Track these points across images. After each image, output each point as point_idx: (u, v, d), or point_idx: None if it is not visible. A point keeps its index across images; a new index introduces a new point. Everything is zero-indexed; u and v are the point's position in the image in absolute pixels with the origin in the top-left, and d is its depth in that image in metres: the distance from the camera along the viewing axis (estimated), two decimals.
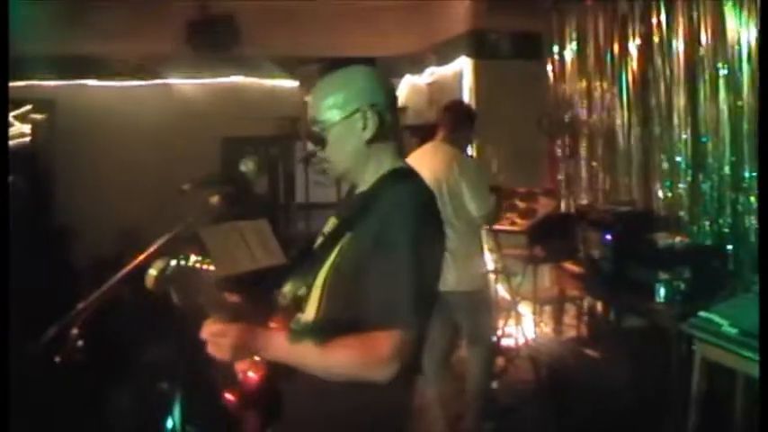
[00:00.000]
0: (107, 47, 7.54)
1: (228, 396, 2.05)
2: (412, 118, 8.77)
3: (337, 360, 1.90)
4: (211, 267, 1.87)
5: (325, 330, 1.95)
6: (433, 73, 8.45)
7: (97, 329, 2.07)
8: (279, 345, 1.94)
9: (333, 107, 2.07)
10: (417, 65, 8.66)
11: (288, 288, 2.15)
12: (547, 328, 6.41)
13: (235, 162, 2.16)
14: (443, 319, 4.87)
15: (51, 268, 6.04)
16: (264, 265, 4.94)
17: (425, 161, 4.78)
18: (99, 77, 7.95)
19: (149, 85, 8.08)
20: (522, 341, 6.11)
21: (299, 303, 2.10)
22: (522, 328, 6.09)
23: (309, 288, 2.07)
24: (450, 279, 4.71)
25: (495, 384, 5.37)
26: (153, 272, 1.81)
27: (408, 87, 9.01)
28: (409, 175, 2.15)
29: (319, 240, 2.19)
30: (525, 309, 6.35)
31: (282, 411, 2.10)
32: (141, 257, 1.97)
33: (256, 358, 2.03)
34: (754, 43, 4.28)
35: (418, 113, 8.58)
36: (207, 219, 2.08)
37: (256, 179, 2.11)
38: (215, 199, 2.05)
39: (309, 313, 2.05)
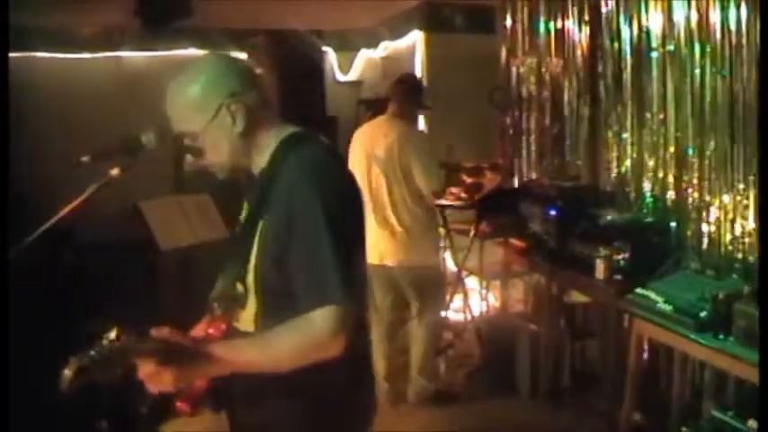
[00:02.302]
0: (57, 18, 7.37)
1: (181, 406, 2.00)
2: (367, 92, 8.75)
3: (283, 352, 1.83)
4: (125, 335, 1.69)
5: (268, 324, 1.90)
6: (387, 47, 8.39)
7: None
8: (219, 360, 1.82)
9: (192, 114, 1.97)
10: (372, 39, 8.61)
11: (219, 290, 2.09)
12: (493, 303, 6.42)
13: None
14: (393, 293, 4.90)
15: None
16: (206, 239, 4.91)
17: (377, 137, 4.78)
18: (49, 49, 7.80)
19: (100, 57, 7.95)
20: (468, 316, 6.13)
21: (238, 301, 2.03)
22: (469, 304, 6.11)
23: (244, 283, 2.00)
24: (403, 254, 4.74)
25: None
26: (68, 372, 1.60)
27: (364, 61, 8.97)
28: (302, 138, 2.05)
29: (237, 230, 2.14)
30: (472, 284, 6.36)
31: (235, 407, 2.07)
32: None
33: None
34: (697, 20, 4.26)
35: (372, 87, 8.55)
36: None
37: (157, 151, 2.05)
38: (115, 171, 1.99)
39: (250, 310, 2.00)
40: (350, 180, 2.08)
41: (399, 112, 4.86)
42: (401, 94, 4.92)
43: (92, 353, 1.63)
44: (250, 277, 1.97)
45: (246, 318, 2.02)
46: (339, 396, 2.00)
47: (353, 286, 1.84)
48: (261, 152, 2.04)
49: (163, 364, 1.74)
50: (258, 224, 1.97)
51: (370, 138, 4.85)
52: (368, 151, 4.78)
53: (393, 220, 4.72)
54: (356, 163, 4.79)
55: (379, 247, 4.70)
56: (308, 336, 1.81)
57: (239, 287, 2.02)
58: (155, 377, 1.76)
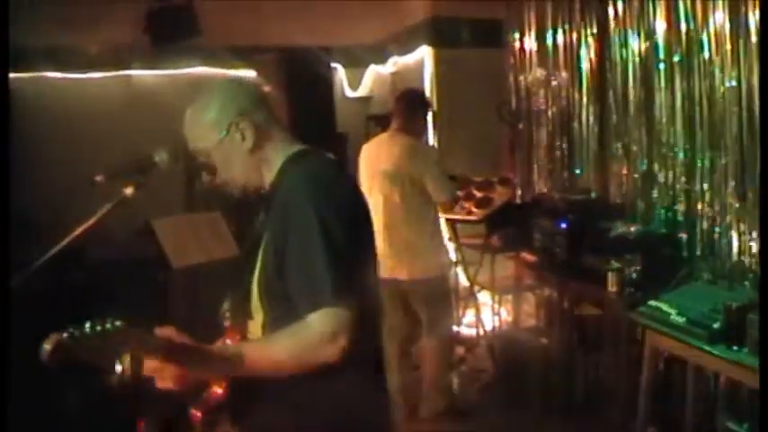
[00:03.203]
0: (64, 38, 7.40)
1: (195, 413, 2.02)
2: (377, 107, 8.75)
3: (282, 354, 1.88)
4: (117, 323, 1.64)
5: (272, 332, 1.94)
6: (395, 62, 8.41)
7: None
8: (220, 360, 1.88)
9: (206, 133, 2.05)
10: (381, 54, 8.62)
11: (227, 305, 2.15)
12: (505, 318, 6.41)
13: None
14: (404, 307, 4.89)
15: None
16: (217, 257, 4.91)
17: (383, 152, 4.80)
18: (56, 69, 7.82)
19: (109, 76, 7.97)
20: (481, 331, 6.12)
21: (247, 313, 2.08)
22: (481, 318, 6.09)
23: (251, 295, 2.04)
24: (413, 267, 4.74)
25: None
26: (47, 346, 1.57)
27: (373, 77, 8.96)
28: (306, 154, 2.12)
29: (245, 245, 2.19)
30: (484, 298, 6.35)
31: (250, 418, 2.07)
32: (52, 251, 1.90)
33: None
34: (703, 30, 4.26)
35: (382, 103, 8.55)
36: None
37: (169, 169, 2.07)
38: (129, 189, 2.01)
39: (258, 320, 2.04)
40: (352, 191, 2.12)
41: (403, 127, 4.90)
42: (403, 109, 4.97)
43: (74, 332, 1.61)
44: (255, 289, 2.02)
45: (255, 328, 2.06)
46: (349, 406, 1.99)
47: (352, 291, 1.86)
48: (270, 168, 2.10)
49: (166, 360, 1.79)
50: (262, 237, 2.03)
51: (376, 153, 4.88)
52: (375, 167, 4.81)
53: (402, 233, 4.73)
54: (364, 179, 4.81)
55: (389, 261, 4.70)
56: (303, 338, 1.85)
57: (247, 300, 2.06)
58: (159, 373, 1.82)
